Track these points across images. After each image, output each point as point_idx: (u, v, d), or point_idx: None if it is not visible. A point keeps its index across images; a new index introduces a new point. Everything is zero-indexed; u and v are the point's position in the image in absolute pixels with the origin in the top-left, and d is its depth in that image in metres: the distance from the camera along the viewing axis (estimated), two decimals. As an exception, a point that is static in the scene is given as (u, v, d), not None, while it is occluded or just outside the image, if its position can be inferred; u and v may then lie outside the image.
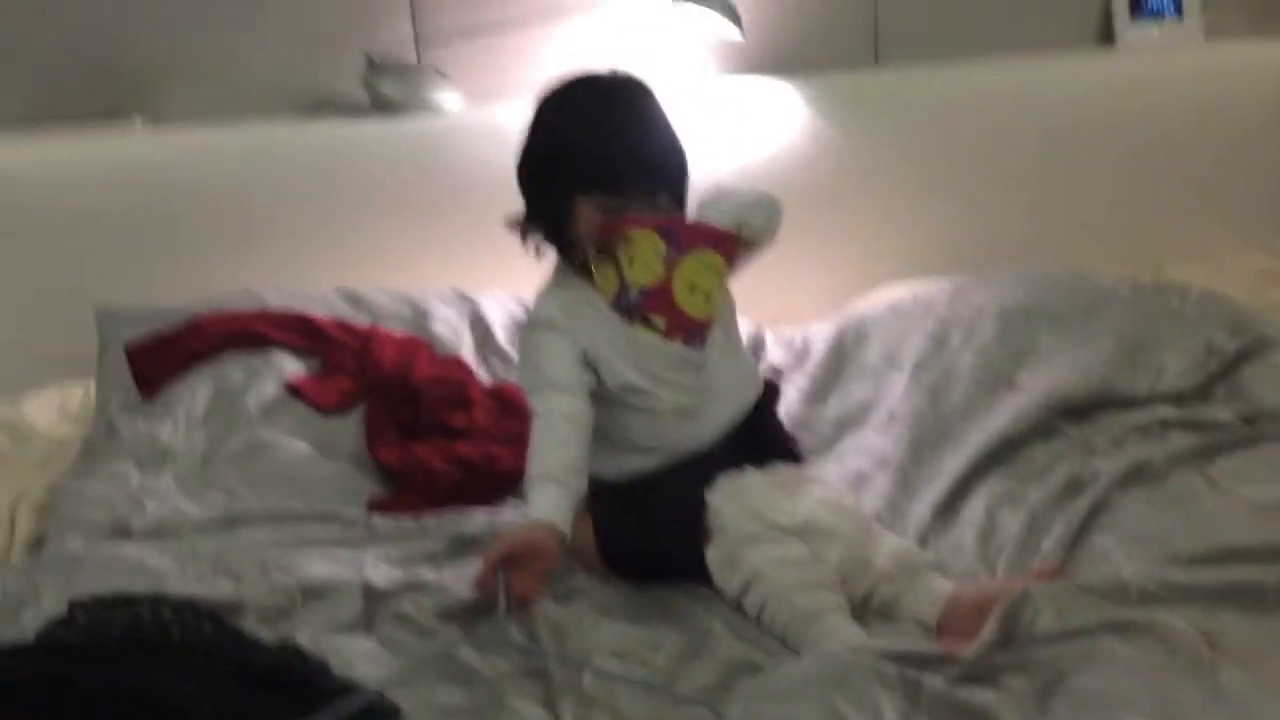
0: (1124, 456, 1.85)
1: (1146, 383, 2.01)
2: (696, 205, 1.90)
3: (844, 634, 1.63)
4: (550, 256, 1.93)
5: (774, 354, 2.51)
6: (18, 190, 2.56)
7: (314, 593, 1.72)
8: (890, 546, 1.78)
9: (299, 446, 2.16)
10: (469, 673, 1.56)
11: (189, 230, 2.61)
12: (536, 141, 1.88)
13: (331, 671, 1.47)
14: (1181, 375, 2.02)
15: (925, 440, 2.04)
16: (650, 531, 1.83)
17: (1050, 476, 1.85)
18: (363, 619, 1.69)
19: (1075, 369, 2.04)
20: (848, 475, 2.07)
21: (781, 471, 1.86)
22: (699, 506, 1.79)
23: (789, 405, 2.27)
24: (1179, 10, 2.93)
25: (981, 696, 1.38)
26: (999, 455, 1.94)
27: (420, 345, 2.39)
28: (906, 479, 2.00)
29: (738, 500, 1.77)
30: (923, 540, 1.88)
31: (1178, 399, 1.99)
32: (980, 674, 1.44)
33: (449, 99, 2.70)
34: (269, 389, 2.26)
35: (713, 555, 1.76)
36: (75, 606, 1.52)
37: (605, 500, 1.85)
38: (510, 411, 2.23)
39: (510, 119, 1.95)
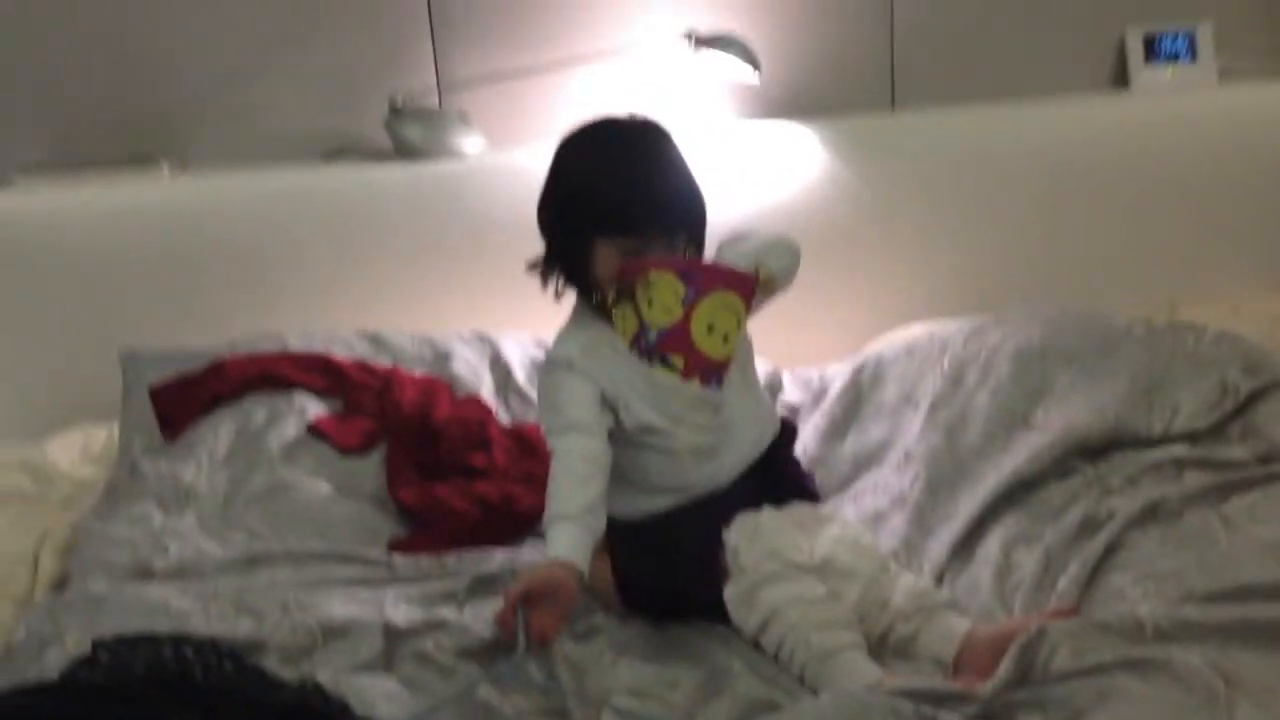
0: (1139, 495, 1.85)
1: (1161, 422, 2.02)
2: (715, 247, 1.92)
3: (861, 672, 1.63)
4: (570, 298, 1.94)
5: (791, 394, 2.52)
6: (46, 235, 2.59)
7: (335, 632, 1.73)
8: (907, 585, 1.78)
9: (320, 487, 2.18)
10: (489, 711, 1.56)
11: (213, 274, 2.64)
12: (557, 185, 1.90)
13: (352, 710, 1.48)
14: (1196, 415, 2.02)
15: (941, 479, 2.05)
16: (668, 570, 1.83)
17: (1066, 515, 1.86)
18: (383, 658, 1.70)
19: (1090, 408, 2.04)
20: (864, 514, 2.07)
21: (799, 510, 1.87)
22: (717, 545, 1.80)
23: (806, 444, 2.28)
24: (1193, 53, 2.94)
25: (998, 734, 1.39)
26: (1015, 494, 1.95)
27: (440, 386, 2.41)
28: (923, 518, 2.01)
29: (755, 539, 1.78)
30: (939, 579, 1.89)
31: (1192, 438, 2.00)
32: (996, 712, 1.44)
33: (471, 143, 2.72)
34: (290, 430, 2.27)
35: (731, 594, 1.76)
36: (99, 646, 1.53)
37: (623, 539, 1.86)
38: (530, 452, 2.24)
39: (531, 163, 1.97)
